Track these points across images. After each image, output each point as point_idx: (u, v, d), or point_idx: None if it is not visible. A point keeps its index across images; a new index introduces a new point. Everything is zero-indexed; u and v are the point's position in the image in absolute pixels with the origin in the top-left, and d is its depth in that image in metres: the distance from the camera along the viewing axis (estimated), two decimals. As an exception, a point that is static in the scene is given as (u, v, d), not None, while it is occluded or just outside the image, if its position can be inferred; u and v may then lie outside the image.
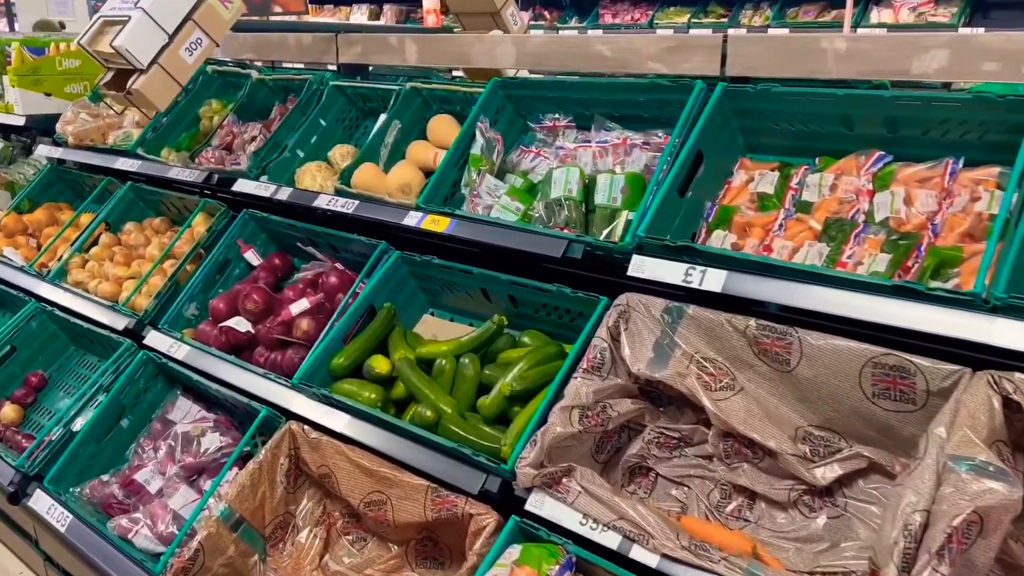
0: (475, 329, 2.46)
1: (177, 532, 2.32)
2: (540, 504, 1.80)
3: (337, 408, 2.28)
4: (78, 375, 3.39)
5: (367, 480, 2.16)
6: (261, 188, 2.92)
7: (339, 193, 2.74)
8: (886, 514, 1.56)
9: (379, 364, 2.32)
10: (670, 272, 1.91)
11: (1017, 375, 1.48)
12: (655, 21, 8.74)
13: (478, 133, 2.57)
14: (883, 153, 2.03)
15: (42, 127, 4.40)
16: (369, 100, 3.21)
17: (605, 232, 2.21)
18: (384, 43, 3.12)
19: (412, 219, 2.47)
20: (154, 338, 2.86)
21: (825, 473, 1.73)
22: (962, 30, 6.75)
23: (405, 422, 2.10)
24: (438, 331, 2.63)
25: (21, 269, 3.55)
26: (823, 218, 2.03)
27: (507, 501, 1.91)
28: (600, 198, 2.26)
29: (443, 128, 2.86)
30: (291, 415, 2.40)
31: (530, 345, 2.33)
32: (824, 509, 1.75)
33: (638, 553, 1.63)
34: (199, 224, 3.22)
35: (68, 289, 3.29)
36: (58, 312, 3.27)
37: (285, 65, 4.53)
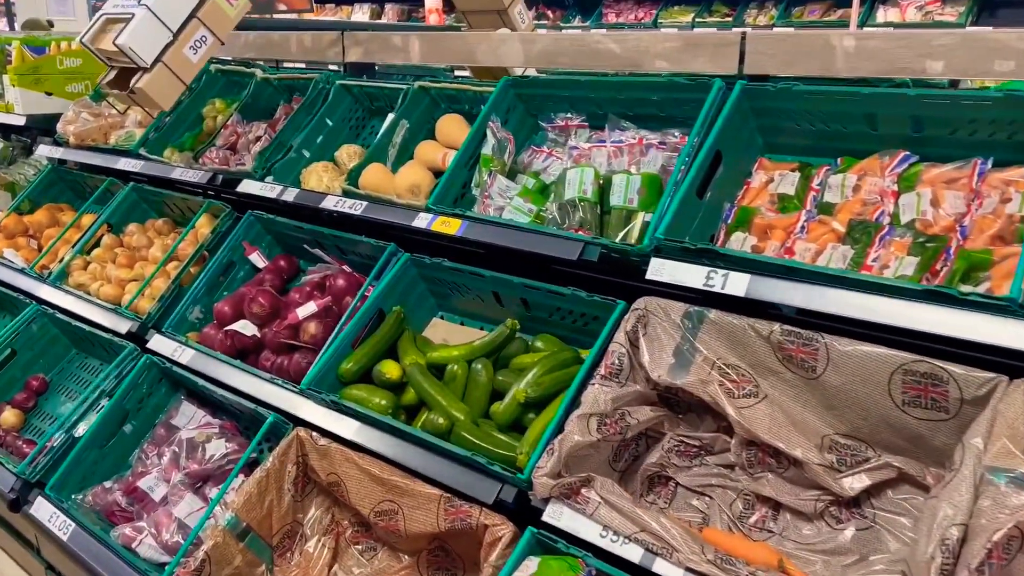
0: (487, 333, 2.41)
1: (183, 541, 2.27)
2: (558, 515, 1.75)
3: (346, 415, 2.23)
4: (80, 379, 3.33)
5: (378, 489, 2.11)
6: (267, 189, 2.87)
7: (346, 194, 2.69)
8: (920, 527, 1.51)
9: (389, 370, 2.26)
10: (691, 275, 1.85)
11: (1057, 383, 1.43)
12: (659, 20, 8.69)
13: (489, 133, 2.52)
14: (908, 153, 1.98)
15: (43, 127, 4.35)
16: (376, 99, 3.15)
17: (621, 234, 2.16)
18: (391, 42, 3.06)
19: (422, 221, 2.41)
20: (158, 342, 2.80)
21: (853, 483, 1.68)
22: (970, 29, 6.70)
23: (417, 429, 2.05)
24: (448, 335, 2.58)
25: (22, 271, 3.50)
26: (846, 220, 1.97)
27: (523, 511, 1.86)
28: (616, 199, 2.20)
29: (452, 128, 2.80)
30: (299, 421, 2.34)
31: (544, 350, 2.28)
32: (852, 521, 1.70)
33: (661, 567, 1.58)
34: (203, 225, 3.16)
35: (70, 291, 3.23)
36: (59, 315, 3.22)
37: (286, 64, 4.48)
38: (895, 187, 1.96)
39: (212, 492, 2.49)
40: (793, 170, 2.16)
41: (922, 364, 1.59)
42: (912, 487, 1.68)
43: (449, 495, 1.96)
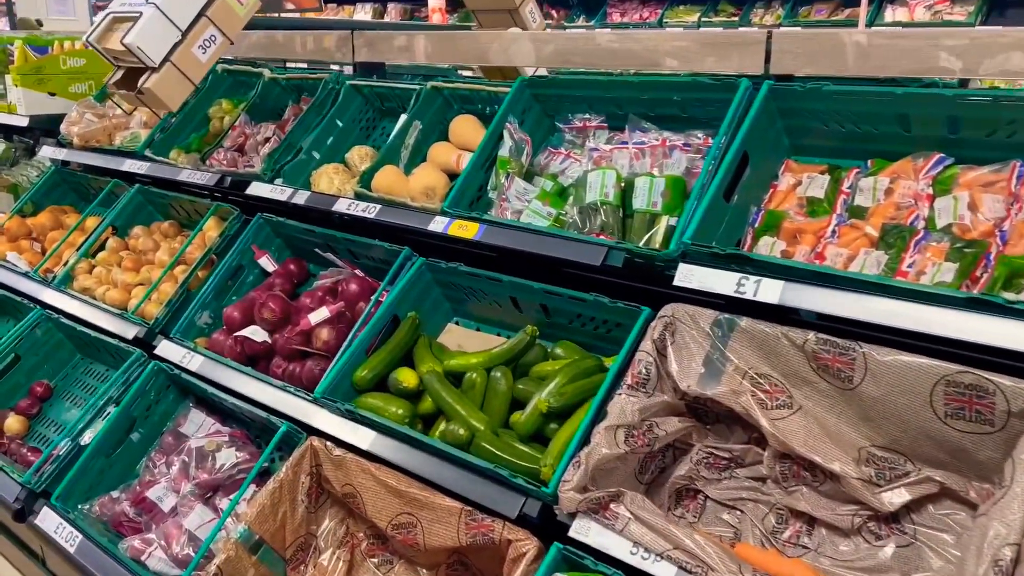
0: (504, 340, 2.35)
1: (193, 554, 2.21)
2: (585, 531, 1.69)
3: (362, 424, 2.17)
4: (85, 385, 3.27)
5: (395, 501, 2.04)
6: (277, 192, 2.81)
7: (359, 197, 2.63)
8: (967, 545, 1.45)
9: (406, 378, 2.20)
10: (721, 282, 1.79)
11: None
12: (664, 20, 8.63)
13: (506, 134, 2.46)
14: (943, 155, 1.92)
15: (46, 128, 4.29)
16: (387, 100, 3.09)
17: (645, 239, 2.10)
18: (401, 41, 3.00)
19: (438, 224, 2.35)
20: (166, 348, 2.74)
21: (892, 498, 1.62)
22: (979, 28, 6.64)
23: (436, 440, 1.99)
24: (463, 341, 2.52)
25: (25, 275, 3.44)
26: (879, 224, 1.91)
27: (548, 526, 1.80)
28: (639, 202, 2.15)
29: (466, 129, 2.75)
30: (312, 430, 2.28)
31: (564, 357, 2.22)
32: (892, 537, 1.64)
33: (695, 586, 1.52)
34: (210, 228, 3.10)
35: (75, 296, 3.17)
36: (64, 320, 3.16)
37: (289, 65, 4.42)
38: (930, 190, 1.90)
39: (222, 502, 2.43)
40: (822, 172, 2.10)
41: (967, 375, 1.53)
42: (954, 502, 1.62)
43: (470, 508, 1.90)
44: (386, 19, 10.14)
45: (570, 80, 2.48)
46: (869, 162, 2.06)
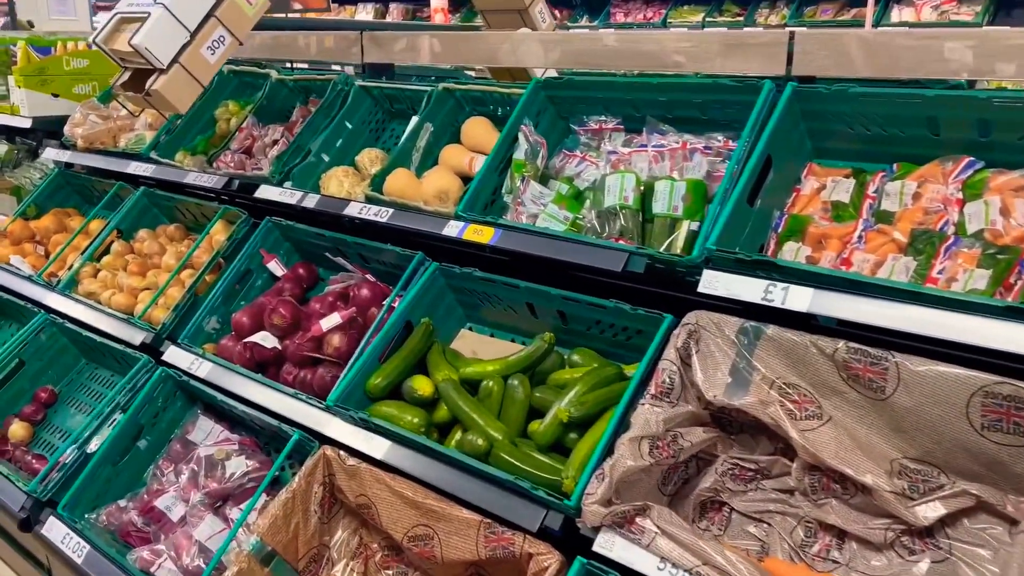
0: (520, 346, 2.31)
1: (204, 566, 2.17)
2: (610, 545, 1.64)
3: (376, 433, 2.12)
4: (90, 390, 3.23)
5: (411, 512, 2.00)
6: (286, 195, 2.76)
7: (370, 200, 2.58)
8: (1008, 562, 1.41)
9: (421, 386, 2.16)
10: (748, 289, 1.75)
11: None
12: (668, 20, 8.59)
13: (521, 136, 2.41)
14: (973, 159, 1.88)
15: (48, 129, 4.24)
16: (397, 101, 3.05)
17: (665, 244, 2.06)
18: (410, 42, 2.96)
19: (453, 229, 2.31)
20: (174, 354, 2.69)
21: (927, 512, 1.58)
22: (986, 28, 6.60)
23: (454, 450, 1.94)
24: (477, 347, 2.47)
25: (29, 279, 3.39)
26: (907, 229, 1.87)
27: (570, 540, 1.76)
28: (659, 207, 2.10)
29: (479, 131, 2.70)
30: (324, 439, 2.24)
31: (581, 364, 2.17)
32: (927, 552, 1.59)
33: (726, 603, 1.47)
34: (218, 232, 3.06)
35: (80, 300, 3.12)
36: (69, 325, 3.11)
37: (288, 66, 4.38)
38: (959, 195, 1.86)
39: (232, 512, 2.39)
40: (846, 176, 2.06)
41: (1005, 386, 1.49)
42: (990, 516, 1.58)
43: (489, 521, 1.86)
44: (388, 19, 10.09)
45: (587, 81, 2.43)
46: (895, 166, 2.01)
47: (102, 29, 2.55)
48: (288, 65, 4.33)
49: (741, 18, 8.17)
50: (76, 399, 3.22)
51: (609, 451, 1.76)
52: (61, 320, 3.15)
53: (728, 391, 1.75)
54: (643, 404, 1.78)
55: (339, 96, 3.04)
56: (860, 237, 1.92)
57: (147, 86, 2.48)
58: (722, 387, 1.76)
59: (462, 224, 2.30)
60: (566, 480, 1.76)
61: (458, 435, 2.12)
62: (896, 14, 7.26)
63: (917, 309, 1.58)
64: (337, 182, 2.80)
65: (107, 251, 3.35)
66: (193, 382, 2.61)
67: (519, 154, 2.40)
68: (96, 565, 2.30)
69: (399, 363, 2.25)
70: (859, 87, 1.95)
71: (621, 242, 2.08)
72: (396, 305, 2.39)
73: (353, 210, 2.55)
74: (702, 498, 1.83)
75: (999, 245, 1.74)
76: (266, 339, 2.56)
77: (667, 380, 1.79)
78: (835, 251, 1.93)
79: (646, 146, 2.25)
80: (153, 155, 3.32)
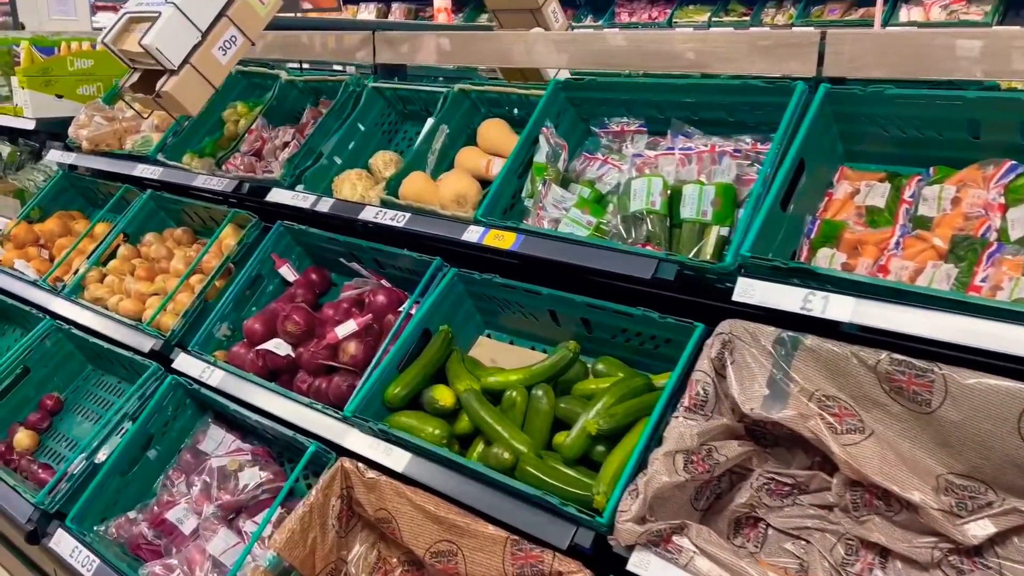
0: (543, 355, 2.25)
1: (218, 582, 2.11)
2: (645, 565, 1.58)
3: (396, 445, 2.06)
4: (96, 397, 3.16)
5: (434, 527, 1.94)
6: (299, 199, 2.70)
7: (385, 204, 2.52)
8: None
9: (443, 396, 2.10)
10: (786, 298, 1.69)
11: None
12: (674, 20, 8.54)
13: (542, 139, 2.35)
14: (1015, 163, 1.81)
15: (52, 131, 4.18)
16: (410, 103, 2.99)
17: (694, 250, 2.00)
18: (422, 42, 2.90)
19: (473, 234, 2.25)
20: (184, 361, 2.63)
21: (976, 530, 1.52)
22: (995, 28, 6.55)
23: (479, 464, 1.88)
24: (496, 355, 2.41)
25: (34, 283, 3.33)
26: (947, 235, 1.81)
27: (601, 558, 1.69)
28: (687, 211, 2.04)
29: (496, 133, 2.64)
30: (341, 450, 2.17)
31: (606, 374, 2.11)
32: (975, 572, 1.53)
33: (770, 627, 1.42)
34: (227, 236, 2.99)
35: (86, 306, 3.06)
36: (75, 331, 3.05)
37: (292, 66, 4.31)
38: (1002, 200, 1.80)
39: (246, 525, 2.33)
40: (881, 180, 2.00)
41: (1060, 400, 1.43)
42: (1042, 534, 1.52)
43: (516, 537, 1.80)
44: (390, 19, 10.03)
45: (609, 82, 2.37)
46: (931, 169, 1.95)
47: (111, 29, 2.48)
48: (297, 66, 4.27)
49: (747, 18, 8.11)
50: (82, 407, 3.16)
51: (641, 466, 1.70)
52: (67, 326, 3.08)
53: (766, 404, 1.69)
54: (676, 417, 1.72)
55: (351, 97, 2.98)
56: (897, 243, 1.86)
57: (157, 87, 2.41)
58: (759, 399, 1.70)
59: (482, 229, 2.24)
60: (597, 496, 1.70)
61: (480, 447, 2.06)
62: (904, 13, 7.20)
63: (967, 319, 1.52)
64: (350, 185, 2.74)
65: (113, 255, 3.29)
66: (204, 391, 2.55)
67: (540, 157, 2.34)
68: (106, 580, 2.24)
69: (418, 372, 2.19)
70: (896, 88, 1.89)
71: (648, 248, 2.02)
72: (414, 312, 2.33)
73: (369, 214, 2.49)
74: (737, 514, 1.77)
75: (1045, 252, 1.68)
76: (279, 346, 2.50)
77: (701, 392, 1.73)
78: (871, 258, 1.87)
79: (673, 149, 2.18)
80: (160, 157, 3.25)
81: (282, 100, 3.30)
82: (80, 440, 3.00)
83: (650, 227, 2.06)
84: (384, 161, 2.81)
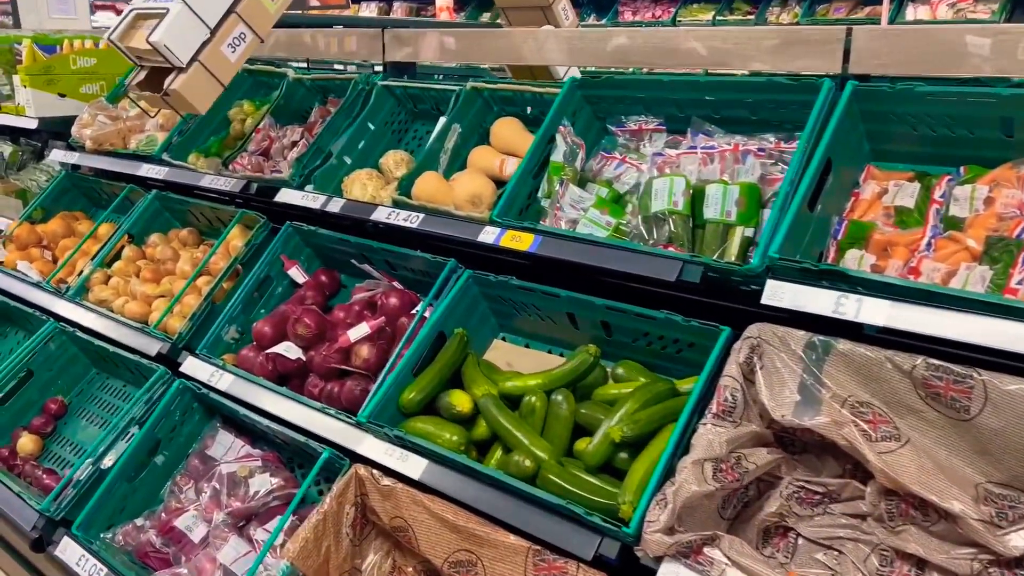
0: (560, 358, 2.20)
1: (230, 592, 2.06)
2: (675, 576, 1.53)
3: (412, 451, 2.01)
4: (101, 401, 3.11)
5: (452, 537, 1.89)
6: (309, 199, 2.65)
7: (397, 205, 2.47)
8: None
9: (460, 402, 2.04)
10: (818, 301, 1.64)
11: None
12: (678, 18, 8.49)
13: (559, 138, 2.30)
14: (1050, 162, 1.77)
15: (54, 130, 4.12)
16: (421, 101, 2.94)
17: (718, 251, 1.95)
18: (433, 39, 2.85)
19: (489, 235, 2.20)
20: (192, 365, 2.58)
21: (1017, 541, 1.47)
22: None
23: (499, 472, 1.83)
24: (512, 359, 2.36)
25: (37, 285, 3.27)
26: (981, 236, 1.76)
27: (627, 569, 1.64)
28: (711, 212, 1.99)
29: (509, 132, 2.60)
30: (355, 456, 2.12)
31: (626, 378, 2.07)
32: (1018, 584, 1.49)
33: (807, 643, 1.37)
34: (235, 237, 2.94)
35: (91, 308, 3.01)
36: (80, 334, 2.99)
37: (297, 65, 4.26)
38: (1037, 200, 1.75)
39: (256, 532, 2.27)
40: (909, 180, 1.95)
41: (1107, 407, 1.38)
42: (1086, 546, 1.47)
43: (538, 547, 1.75)
44: (392, 18, 9.97)
45: (628, 80, 2.32)
46: (962, 169, 1.90)
47: (117, 26, 2.43)
48: (301, 64, 4.22)
49: (752, 16, 8.07)
50: (87, 410, 3.11)
51: (668, 474, 1.65)
52: (71, 329, 3.03)
53: (797, 410, 1.64)
54: (704, 424, 1.67)
55: (360, 96, 2.93)
56: (929, 245, 1.81)
57: (165, 85, 2.36)
58: (790, 406, 1.65)
59: (499, 230, 2.19)
60: (623, 505, 1.65)
61: (498, 453, 2.01)
62: (911, 12, 7.17)
63: (1004, 323, 1.47)
64: (361, 185, 2.69)
65: (118, 256, 3.24)
66: (213, 395, 2.49)
67: (557, 156, 2.29)
68: (114, 589, 2.19)
69: (433, 377, 2.14)
70: (927, 85, 1.84)
71: (671, 249, 1.97)
72: (428, 315, 2.28)
73: (381, 215, 2.44)
74: (766, 523, 1.72)
75: (1084, 254, 1.63)
76: (290, 350, 2.44)
77: (729, 397, 1.68)
78: (902, 259, 1.82)
79: (695, 148, 2.13)
80: (165, 157, 3.20)
81: (289, 99, 3.25)
82: (85, 445, 2.95)
83: (672, 228, 2.01)
84: (395, 161, 2.76)
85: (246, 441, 2.55)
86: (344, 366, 2.33)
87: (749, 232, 1.95)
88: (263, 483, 2.32)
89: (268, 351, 2.47)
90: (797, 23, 7.69)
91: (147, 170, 3.27)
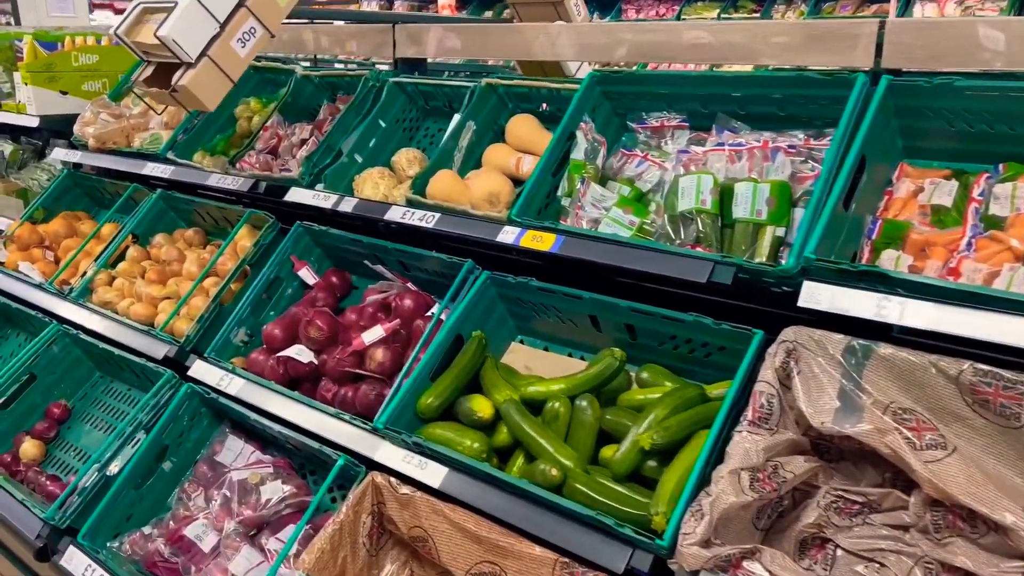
0: (581, 362, 2.14)
1: (242, 604, 1.99)
2: (712, 591, 1.47)
3: (432, 459, 1.94)
4: (105, 405, 3.04)
5: (474, 548, 1.82)
6: (320, 198, 2.58)
7: (411, 204, 2.40)
8: None
9: (481, 407, 1.98)
10: (858, 303, 1.58)
11: None
12: (682, 16, 8.43)
13: (580, 135, 2.24)
14: (1095, 159, 1.71)
15: (54, 128, 4.05)
16: (432, 98, 2.87)
17: (748, 251, 1.88)
18: (445, 35, 2.79)
19: (508, 235, 2.13)
20: (201, 369, 2.51)
21: (1072, 555, 1.41)
22: None
23: (525, 481, 1.76)
24: (530, 362, 2.30)
25: (39, 286, 3.20)
26: (1024, 236, 1.70)
27: (660, 582, 1.58)
28: (741, 211, 1.93)
29: (526, 130, 2.53)
30: (371, 463, 2.06)
31: (652, 383, 2.00)
32: (1072, 599, 1.42)
33: (856, 662, 1.30)
34: (242, 237, 2.87)
35: (95, 310, 2.93)
36: (84, 336, 2.92)
37: (316, 60, 4.19)
38: (1082, 198, 1.69)
39: (268, 542, 2.21)
40: (946, 177, 1.89)
41: None
42: None
43: (566, 560, 1.68)
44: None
45: (649, 75, 2.26)
46: (1000, 166, 1.84)
47: (124, 20, 2.36)
48: (306, 61, 4.15)
49: (757, 14, 8.01)
50: (91, 415, 3.04)
51: (702, 484, 1.59)
52: (75, 331, 2.96)
53: (838, 417, 1.58)
54: (740, 431, 1.61)
55: (370, 93, 2.87)
56: (969, 244, 1.75)
57: (173, 81, 2.30)
58: (830, 413, 1.59)
59: (519, 230, 2.12)
60: (656, 516, 1.59)
61: (520, 461, 1.95)
62: (918, 10, 7.09)
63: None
64: (372, 184, 2.62)
65: (122, 257, 3.17)
66: (222, 399, 2.43)
67: (577, 154, 2.23)
68: (122, 601, 2.12)
69: (452, 381, 2.08)
70: (965, 80, 1.78)
71: (699, 249, 1.91)
72: (444, 317, 2.21)
73: (396, 214, 2.37)
74: (804, 535, 1.65)
75: None
76: (301, 353, 2.38)
77: (765, 404, 1.62)
78: (940, 260, 1.76)
79: (723, 145, 2.07)
80: (170, 155, 3.13)
81: (297, 96, 3.18)
82: (89, 450, 2.88)
83: (700, 227, 1.95)
84: (407, 159, 2.69)
85: (256, 447, 2.49)
86: (358, 370, 2.26)
87: (780, 232, 1.89)
88: (275, 490, 2.25)
89: (279, 354, 2.40)
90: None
91: (151, 169, 3.20)
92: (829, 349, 1.64)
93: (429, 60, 3.24)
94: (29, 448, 2.87)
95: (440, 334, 2.15)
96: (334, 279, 2.69)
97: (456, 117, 2.58)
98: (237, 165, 2.97)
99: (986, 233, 1.75)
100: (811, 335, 1.67)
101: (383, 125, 2.82)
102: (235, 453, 2.48)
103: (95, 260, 3.13)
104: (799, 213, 1.91)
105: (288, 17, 2.50)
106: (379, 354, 2.24)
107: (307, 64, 3.85)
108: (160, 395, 2.53)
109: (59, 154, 3.70)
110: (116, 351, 2.79)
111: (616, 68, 2.47)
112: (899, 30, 1.93)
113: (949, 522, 1.53)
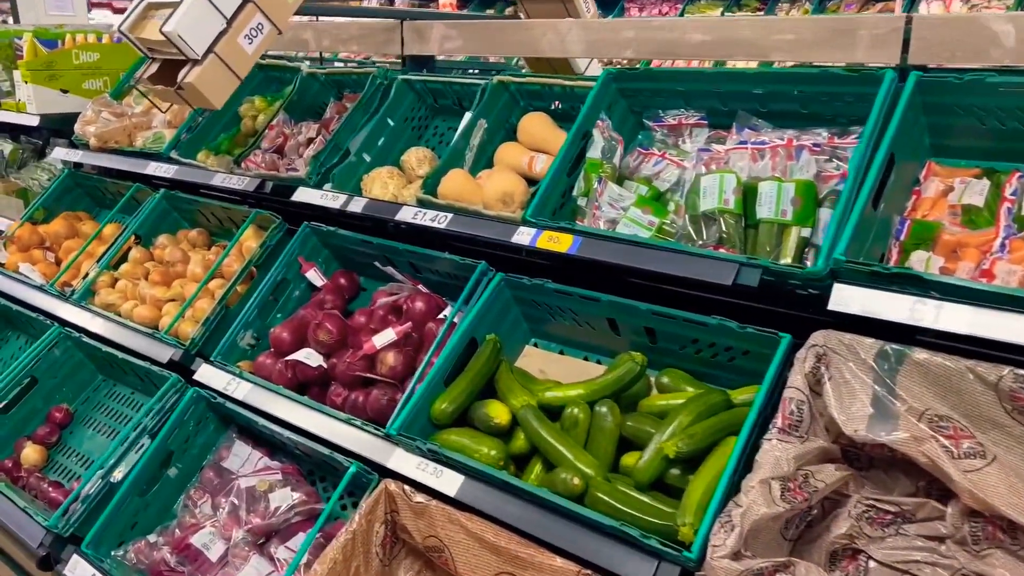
0: (601, 366, 2.08)
1: (252, 616, 1.94)
2: (744, 606, 1.42)
3: (447, 466, 1.89)
4: (108, 409, 2.98)
5: (492, 558, 1.77)
6: (328, 198, 2.52)
7: (422, 204, 2.35)
8: None
9: (498, 413, 1.92)
10: (892, 307, 1.52)
11: None
12: (686, 15, 8.37)
13: (596, 133, 2.18)
14: None
15: (54, 127, 3.99)
16: (442, 96, 2.82)
17: (773, 253, 1.83)
18: (453, 32, 2.73)
19: (524, 237, 2.08)
20: (207, 373, 2.45)
21: (1118, 568, 1.36)
22: None
23: (545, 490, 1.71)
24: (546, 366, 2.24)
25: (40, 288, 3.14)
26: (1059, 237, 1.65)
27: (687, 595, 1.53)
28: (765, 211, 1.88)
29: (539, 128, 2.48)
30: (384, 470, 2.00)
31: (673, 388, 1.95)
32: (1117, 614, 1.37)
33: None
34: (248, 238, 2.81)
35: (98, 312, 2.88)
36: (86, 339, 2.87)
37: (322, 58, 4.14)
38: (1119, 198, 1.64)
39: (277, 550, 2.15)
40: (977, 176, 1.84)
41: None
42: None
43: (588, 571, 1.63)
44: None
45: (667, 72, 2.21)
46: (1033, 164, 1.79)
47: (128, 16, 2.31)
48: (310, 59, 4.10)
49: (761, 13, 7.94)
50: (93, 419, 2.98)
51: (730, 493, 1.53)
52: (77, 334, 2.90)
53: (872, 425, 1.53)
54: (769, 439, 1.55)
55: (378, 91, 2.81)
56: (1003, 246, 1.69)
57: (179, 79, 2.24)
58: (863, 420, 1.54)
59: (535, 231, 2.07)
60: (683, 527, 1.53)
61: (537, 468, 1.89)
62: (924, 8, 7.04)
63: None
64: (381, 184, 2.57)
65: (124, 258, 3.11)
66: (229, 404, 2.37)
67: (594, 152, 2.17)
68: (128, 612, 2.07)
69: (467, 386, 2.02)
70: (998, 76, 1.72)
71: (722, 250, 1.86)
72: (458, 320, 2.16)
73: (407, 215, 2.32)
74: (835, 546, 1.60)
75: None
76: (310, 357, 2.32)
77: (795, 411, 1.57)
78: (973, 261, 1.71)
79: (746, 143, 2.02)
80: (174, 155, 3.08)
81: (303, 94, 3.13)
82: (91, 455, 2.83)
83: (723, 228, 1.90)
84: (417, 158, 2.64)
85: (264, 453, 2.43)
86: (369, 374, 2.21)
87: (806, 232, 1.83)
88: (284, 498, 2.19)
89: (287, 358, 2.35)
90: (807, 19, 7.59)
91: (154, 168, 3.14)
92: (861, 354, 1.59)
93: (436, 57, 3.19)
94: (30, 453, 2.81)
95: (453, 337, 2.10)
96: (342, 281, 2.64)
97: (467, 115, 2.53)
98: (242, 164, 2.92)
99: (1020, 234, 1.70)
100: (841, 339, 1.62)
101: (391, 124, 2.77)
102: (242, 459, 2.43)
103: (97, 261, 3.07)
104: (824, 213, 1.86)
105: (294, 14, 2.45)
106: (391, 358, 2.19)
107: (311, 62, 3.79)
108: (165, 399, 2.47)
109: (60, 153, 3.64)
110: (119, 354, 2.74)
111: (632, 65, 2.42)
112: (926, 25, 1.88)
113: (988, 533, 1.48)
